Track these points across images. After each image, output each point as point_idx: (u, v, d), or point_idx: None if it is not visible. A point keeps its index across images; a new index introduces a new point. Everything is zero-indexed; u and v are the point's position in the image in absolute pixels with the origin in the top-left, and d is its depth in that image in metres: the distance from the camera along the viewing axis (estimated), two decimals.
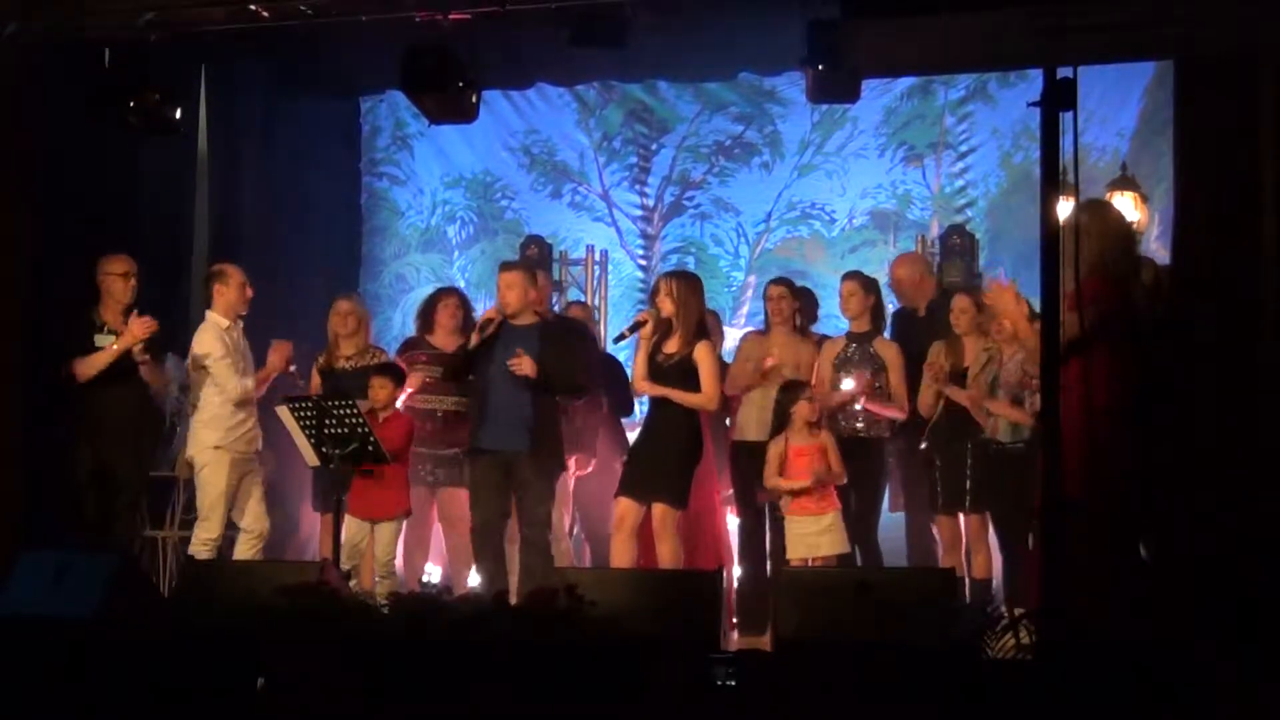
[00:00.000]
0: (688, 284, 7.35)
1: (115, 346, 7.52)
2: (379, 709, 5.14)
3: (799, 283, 8.39)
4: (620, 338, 7.38)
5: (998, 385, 7.22)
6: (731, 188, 10.58)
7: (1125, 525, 5.66)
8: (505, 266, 7.74)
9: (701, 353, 7.17)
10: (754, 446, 7.58)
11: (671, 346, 7.23)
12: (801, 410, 7.34)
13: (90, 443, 7.64)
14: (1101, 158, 9.54)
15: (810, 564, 7.15)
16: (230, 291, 7.69)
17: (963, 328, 7.47)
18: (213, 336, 7.65)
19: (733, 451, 7.82)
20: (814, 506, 7.25)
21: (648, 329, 7.20)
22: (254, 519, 7.66)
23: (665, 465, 7.12)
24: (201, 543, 7.58)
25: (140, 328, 7.51)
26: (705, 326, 7.37)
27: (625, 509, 7.17)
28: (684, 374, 7.17)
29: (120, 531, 7.72)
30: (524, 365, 7.18)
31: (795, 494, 7.27)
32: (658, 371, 7.22)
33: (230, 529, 7.75)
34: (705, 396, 7.16)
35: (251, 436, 7.67)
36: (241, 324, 7.78)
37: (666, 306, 7.25)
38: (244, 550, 7.64)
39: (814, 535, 7.24)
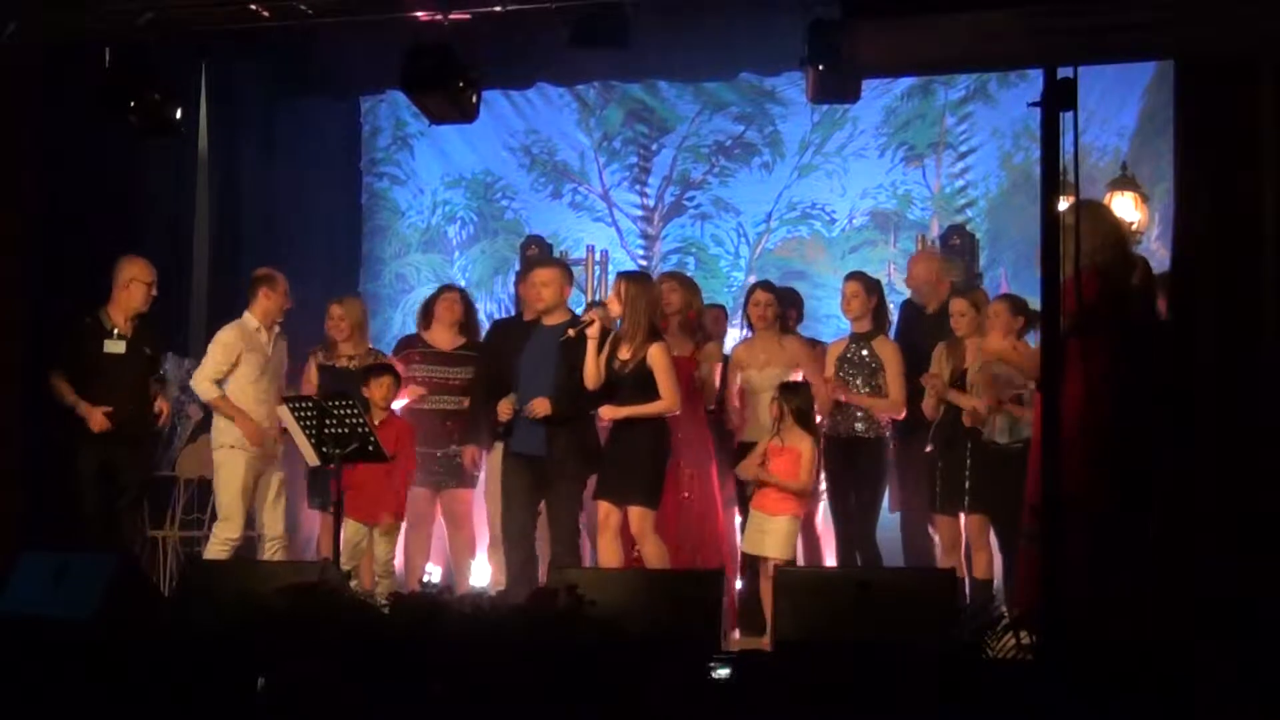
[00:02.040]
0: (637, 285, 7.29)
1: (81, 412, 7.56)
2: (379, 709, 5.14)
3: (799, 283, 8.40)
4: (566, 337, 7.18)
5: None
6: (732, 188, 10.58)
7: (1125, 525, 5.66)
8: (540, 263, 7.74)
9: (655, 356, 7.10)
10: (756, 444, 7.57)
11: (625, 352, 7.18)
12: (771, 410, 7.37)
13: (91, 443, 7.64)
14: (1102, 158, 9.54)
15: (765, 560, 7.15)
16: (276, 298, 7.77)
17: (963, 330, 7.46)
18: (231, 334, 7.71)
19: (738, 451, 7.81)
20: (770, 506, 7.26)
21: (594, 329, 7.14)
22: (267, 523, 7.69)
23: (634, 469, 7.09)
24: (221, 542, 7.62)
25: (98, 422, 7.56)
26: (657, 328, 7.27)
27: (607, 511, 7.16)
28: (641, 380, 7.11)
29: (121, 532, 7.73)
30: (536, 408, 7.19)
31: (754, 484, 7.33)
32: (615, 379, 7.17)
33: (251, 529, 7.81)
34: (664, 403, 7.10)
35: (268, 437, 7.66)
36: (278, 330, 7.80)
37: (614, 307, 7.22)
38: (264, 555, 7.67)
39: (757, 532, 7.26)
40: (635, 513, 7.08)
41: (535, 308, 7.54)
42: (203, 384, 7.69)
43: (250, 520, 7.83)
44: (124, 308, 7.69)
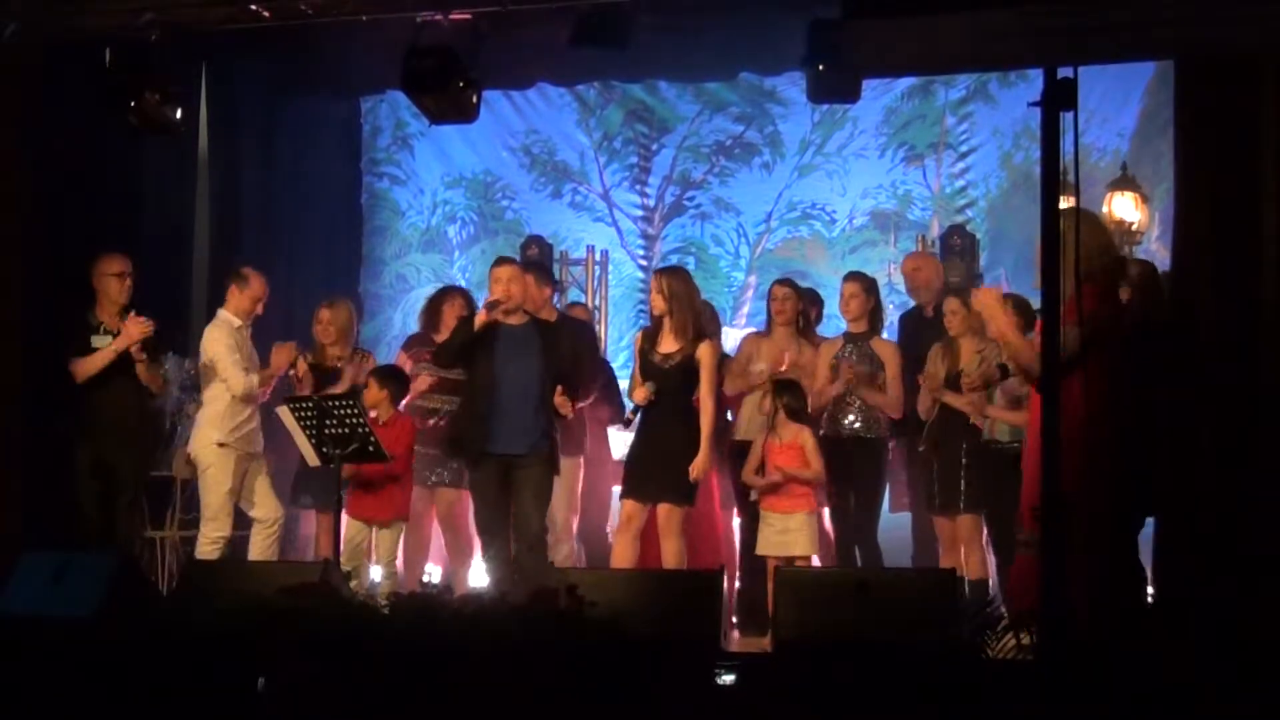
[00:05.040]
0: (681, 280, 7.34)
1: (113, 347, 7.52)
2: (379, 709, 5.14)
3: (800, 283, 8.41)
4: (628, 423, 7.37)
5: (995, 385, 7.21)
6: (732, 188, 10.58)
7: (1125, 525, 5.66)
8: (500, 261, 7.64)
9: (704, 353, 7.15)
10: (749, 446, 7.57)
11: (668, 345, 7.21)
12: (763, 407, 7.36)
13: (91, 442, 7.64)
14: (1102, 158, 9.55)
15: (785, 563, 7.13)
16: (245, 297, 7.74)
17: (955, 329, 7.46)
18: (223, 333, 7.68)
19: (732, 451, 7.81)
20: (783, 505, 7.23)
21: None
22: (265, 509, 7.67)
23: (668, 465, 7.09)
24: (211, 542, 7.59)
25: (136, 328, 7.52)
26: (703, 326, 7.34)
27: (631, 511, 7.15)
28: (685, 375, 7.14)
29: (120, 531, 7.73)
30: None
31: (766, 490, 7.27)
32: (655, 372, 7.19)
33: (242, 528, 7.78)
34: (709, 409, 7.14)
35: (254, 436, 7.68)
36: (250, 327, 7.81)
37: (658, 304, 7.23)
38: (260, 542, 7.66)
39: (779, 534, 7.22)
40: (664, 509, 7.09)
41: (501, 304, 7.26)
42: (241, 383, 7.58)
43: (239, 519, 7.82)
44: (105, 304, 7.67)
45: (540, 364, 7.22)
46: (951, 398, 7.33)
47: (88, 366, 7.55)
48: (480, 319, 7.21)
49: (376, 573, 7.46)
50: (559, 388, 7.15)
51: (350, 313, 8.31)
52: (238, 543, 7.82)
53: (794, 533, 7.20)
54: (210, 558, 7.49)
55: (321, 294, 8.65)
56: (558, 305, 9.32)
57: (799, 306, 7.87)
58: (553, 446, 7.25)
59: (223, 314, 7.76)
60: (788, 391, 7.34)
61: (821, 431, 7.60)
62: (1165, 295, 6.34)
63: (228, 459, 7.60)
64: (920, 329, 8.04)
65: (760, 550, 7.29)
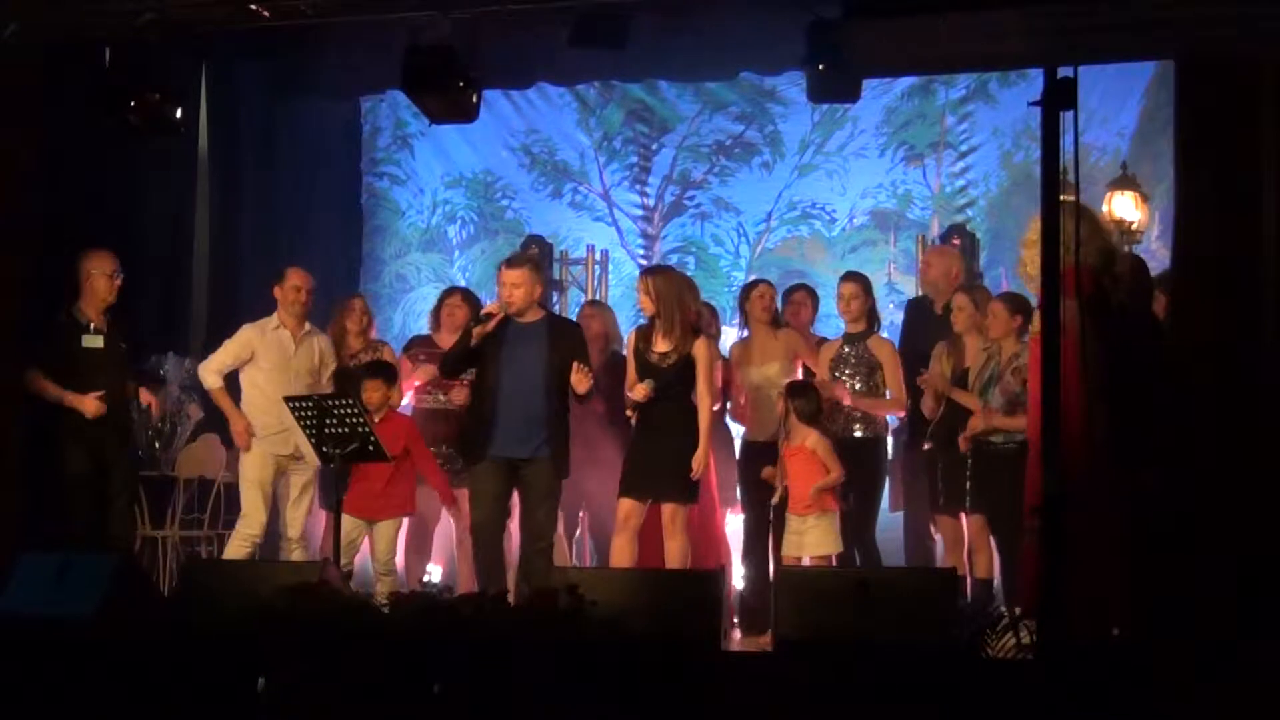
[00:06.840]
0: (665, 278, 7.31)
1: (72, 404, 7.55)
2: (379, 709, 5.14)
3: (801, 282, 8.42)
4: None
5: (994, 384, 7.21)
6: (732, 187, 10.59)
7: (1123, 524, 5.66)
8: (510, 263, 7.57)
9: (700, 350, 7.14)
10: (762, 447, 7.56)
11: (662, 345, 7.19)
12: (778, 410, 7.38)
13: (79, 443, 7.62)
14: (1102, 157, 9.55)
15: (801, 562, 7.13)
16: (282, 292, 7.80)
17: (961, 325, 7.46)
18: (247, 332, 7.77)
19: (742, 452, 7.81)
20: (798, 507, 7.24)
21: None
22: (289, 523, 7.68)
23: (670, 463, 7.08)
24: (241, 539, 7.62)
25: (93, 405, 7.56)
26: (696, 324, 7.30)
27: (629, 510, 7.13)
28: (683, 373, 7.14)
29: (120, 531, 7.72)
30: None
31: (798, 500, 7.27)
32: (652, 371, 7.18)
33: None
34: (705, 405, 7.14)
35: (284, 437, 7.62)
36: (308, 329, 7.83)
37: (646, 305, 7.23)
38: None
39: (795, 535, 7.23)
40: (668, 508, 7.07)
41: (505, 307, 7.21)
42: (206, 373, 7.75)
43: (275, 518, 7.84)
44: (92, 302, 7.70)
45: (548, 361, 7.13)
46: (960, 395, 7.32)
47: (39, 387, 7.59)
48: (476, 334, 7.16)
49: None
50: (576, 364, 7.02)
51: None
52: (271, 546, 7.83)
53: (809, 533, 7.19)
54: (239, 556, 7.50)
55: (322, 294, 8.65)
56: (555, 305, 9.36)
57: (775, 305, 7.88)
58: (558, 448, 7.16)
59: (274, 314, 7.83)
60: (801, 395, 7.33)
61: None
62: (1159, 290, 6.36)
63: (253, 453, 7.64)
64: (925, 320, 8.00)
65: (783, 551, 7.28)
